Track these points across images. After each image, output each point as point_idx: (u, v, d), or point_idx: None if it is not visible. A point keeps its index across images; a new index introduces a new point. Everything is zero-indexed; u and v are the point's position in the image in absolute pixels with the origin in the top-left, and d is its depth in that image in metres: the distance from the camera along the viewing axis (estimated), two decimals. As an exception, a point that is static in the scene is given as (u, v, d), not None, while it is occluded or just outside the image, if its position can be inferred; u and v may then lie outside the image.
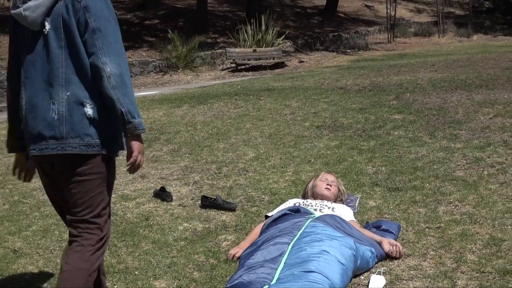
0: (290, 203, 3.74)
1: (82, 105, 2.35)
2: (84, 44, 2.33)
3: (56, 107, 2.34)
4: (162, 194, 4.53)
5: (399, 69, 11.28)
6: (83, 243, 2.39)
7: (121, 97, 2.32)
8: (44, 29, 2.36)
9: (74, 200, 2.42)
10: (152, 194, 4.62)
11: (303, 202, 3.69)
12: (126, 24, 19.57)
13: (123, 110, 2.32)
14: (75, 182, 2.41)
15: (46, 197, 4.66)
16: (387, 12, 22.43)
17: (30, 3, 2.35)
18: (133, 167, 2.48)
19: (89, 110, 2.35)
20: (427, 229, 3.58)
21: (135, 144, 2.44)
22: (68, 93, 2.34)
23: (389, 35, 22.03)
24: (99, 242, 2.44)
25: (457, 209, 3.87)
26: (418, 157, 5.09)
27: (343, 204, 3.80)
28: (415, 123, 6.28)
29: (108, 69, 2.29)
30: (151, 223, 4.05)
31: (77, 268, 2.35)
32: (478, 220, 3.63)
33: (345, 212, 3.56)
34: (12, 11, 2.39)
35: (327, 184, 3.82)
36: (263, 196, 4.44)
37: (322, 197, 3.76)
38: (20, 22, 2.39)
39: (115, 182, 4.99)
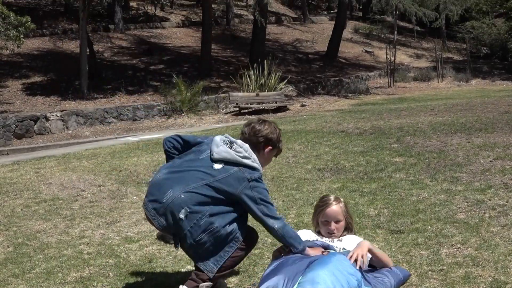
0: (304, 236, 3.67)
1: None
2: None
3: None
4: (165, 237, 4.54)
5: (400, 113, 11.40)
6: None
7: None
8: None
9: None
10: (156, 237, 4.63)
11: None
12: (132, 69, 19.90)
13: None
14: None
15: (50, 239, 4.71)
16: (386, 58, 22.77)
17: None
18: None
19: None
20: (429, 272, 3.58)
21: None
22: None
23: (389, 80, 22.30)
24: None
25: (459, 252, 3.88)
26: (419, 200, 5.12)
27: (350, 233, 3.74)
28: (416, 166, 6.34)
29: None
30: (154, 265, 4.06)
31: None
32: (481, 262, 3.64)
33: (352, 242, 3.51)
34: None
35: (330, 232, 3.66)
36: (266, 238, 4.46)
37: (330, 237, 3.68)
38: None
39: (118, 224, 5.04)
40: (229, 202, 3.17)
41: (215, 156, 3.21)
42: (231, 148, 3.23)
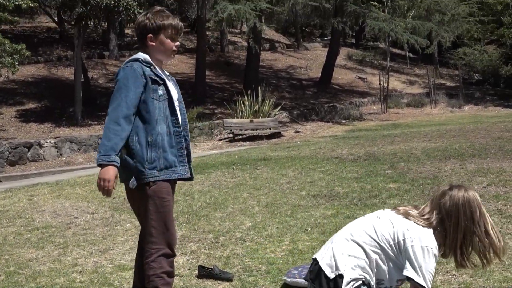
0: None
1: None
2: None
3: None
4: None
5: (393, 139, 11.44)
6: None
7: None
8: None
9: None
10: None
11: None
12: (125, 95, 19.92)
13: None
14: None
15: (42, 267, 4.67)
16: (380, 84, 22.95)
17: None
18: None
19: None
20: (424, 299, 3.56)
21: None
22: None
23: (383, 106, 22.45)
24: None
25: (454, 279, 3.87)
26: (414, 226, 5.11)
27: None
28: (410, 192, 6.34)
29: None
30: (148, 293, 4.02)
31: None
32: (475, 289, 3.63)
33: None
34: None
35: None
36: (260, 266, 4.44)
37: None
38: None
39: (111, 251, 5.00)
40: None
41: None
42: None
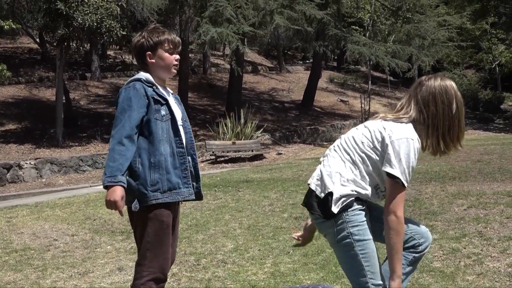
0: None
1: None
2: None
3: None
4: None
5: (375, 162, 11.51)
6: None
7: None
8: None
9: None
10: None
11: None
12: (109, 117, 19.86)
13: None
14: None
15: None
16: (361, 107, 23.16)
17: None
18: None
19: None
20: (406, 321, 3.56)
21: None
22: None
23: (365, 129, 22.59)
24: None
25: None
26: (395, 248, 5.12)
27: None
28: (392, 214, 6.35)
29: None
30: (128, 317, 3.96)
31: None
32: (457, 311, 3.64)
33: None
34: None
35: None
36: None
37: None
38: None
39: (91, 274, 4.94)
40: None
41: None
42: None
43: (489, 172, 8.75)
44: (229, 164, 15.93)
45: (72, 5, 14.29)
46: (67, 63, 20.46)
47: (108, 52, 27.97)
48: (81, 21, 14.25)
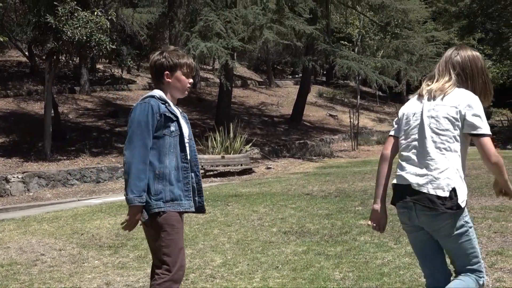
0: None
1: None
2: None
3: None
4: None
5: (363, 176, 11.55)
6: None
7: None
8: None
9: None
10: (117, 302, 4.50)
11: None
12: (97, 131, 19.81)
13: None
14: None
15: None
16: (350, 122, 23.27)
17: None
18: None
19: None
20: (395, 336, 3.56)
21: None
22: None
23: (353, 143, 22.71)
24: None
25: None
26: (384, 263, 5.13)
27: None
28: (381, 229, 6.37)
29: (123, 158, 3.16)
30: (115, 332, 3.92)
31: None
32: (445, 326, 3.64)
33: None
34: None
35: None
36: None
37: None
38: None
39: (79, 290, 4.89)
40: None
41: None
42: None
43: (477, 187, 8.80)
44: (218, 178, 15.90)
45: (62, 18, 14.28)
46: (56, 77, 20.41)
47: (98, 66, 27.93)
48: (70, 35, 14.22)
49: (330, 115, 28.53)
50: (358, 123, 23.33)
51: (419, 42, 23.53)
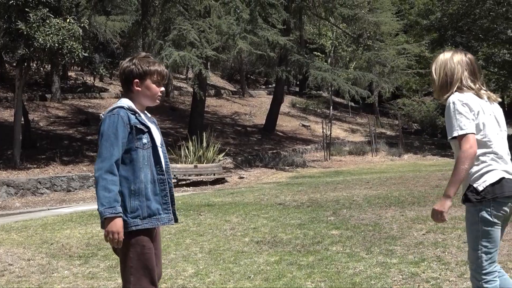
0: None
1: None
2: None
3: None
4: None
5: (336, 186, 11.62)
6: None
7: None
8: None
9: None
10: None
11: None
12: (68, 139, 19.57)
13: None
14: None
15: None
16: (323, 132, 23.43)
17: None
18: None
19: None
20: None
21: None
22: None
23: (325, 153, 22.85)
24: None
25: None
26: (356, 273, 5.16)
27: None
28: (352, 239, 6.42)
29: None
30: None
31: None
32: (416, 335, 3.67)
33: None
34: None
35: None
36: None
37: None
38: None
39: (48, 301, 4.80)
40: None
41: None
42: None
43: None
44: (191, 187, 15.82)
45: (34, 25, 14.11)
46: (26, 84, 20.13)
47: (70, 73, 27.65)
48: (42, 42, 14.05)
49: (303, 125, 28.68)
50: (330, 133, 23.50)
51: (390, 54, 23.87)
